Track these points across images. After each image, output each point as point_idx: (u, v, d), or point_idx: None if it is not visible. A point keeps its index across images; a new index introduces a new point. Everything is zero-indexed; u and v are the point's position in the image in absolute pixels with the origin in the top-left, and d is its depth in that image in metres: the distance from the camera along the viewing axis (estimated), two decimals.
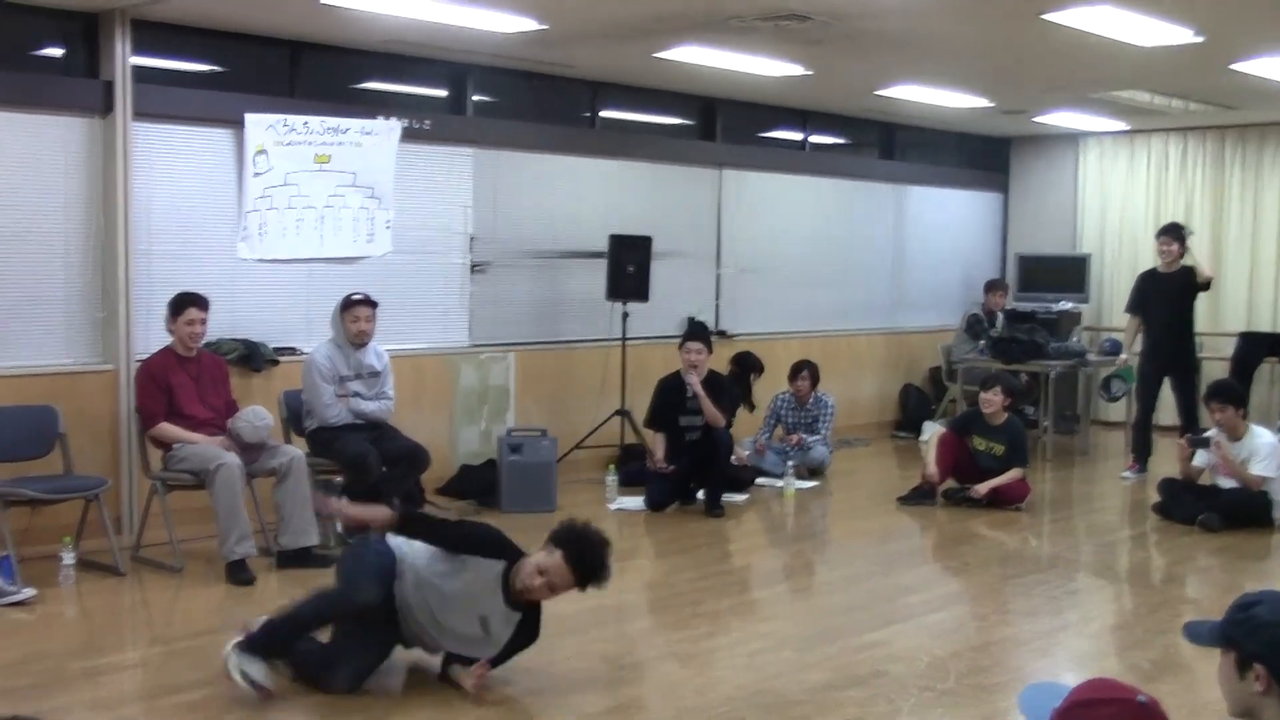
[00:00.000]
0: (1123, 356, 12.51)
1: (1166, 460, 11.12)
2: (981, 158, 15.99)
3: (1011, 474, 10.34)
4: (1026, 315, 14.14)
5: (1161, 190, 15.00)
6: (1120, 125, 14.58)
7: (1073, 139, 15.48)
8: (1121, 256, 15.16)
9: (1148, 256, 12.92)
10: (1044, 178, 15.95)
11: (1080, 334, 14.48)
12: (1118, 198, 15.35)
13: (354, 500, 8.57)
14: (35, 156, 8.56)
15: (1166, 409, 12.11)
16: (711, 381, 10.32)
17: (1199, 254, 11.99)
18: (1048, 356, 12.98)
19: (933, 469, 10.44)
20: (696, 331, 10.64)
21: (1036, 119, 14.07)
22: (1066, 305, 14.67)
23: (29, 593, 7.30)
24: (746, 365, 11.74)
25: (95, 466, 8.48)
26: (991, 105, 12.80)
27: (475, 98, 10.99)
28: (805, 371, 11.81)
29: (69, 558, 7.81)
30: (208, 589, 7.69)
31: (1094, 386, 14.07)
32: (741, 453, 11.02)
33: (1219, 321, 14.13)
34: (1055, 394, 13.12)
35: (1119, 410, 13.77)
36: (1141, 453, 11.82)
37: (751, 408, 11.48)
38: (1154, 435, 11.92)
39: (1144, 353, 11.85)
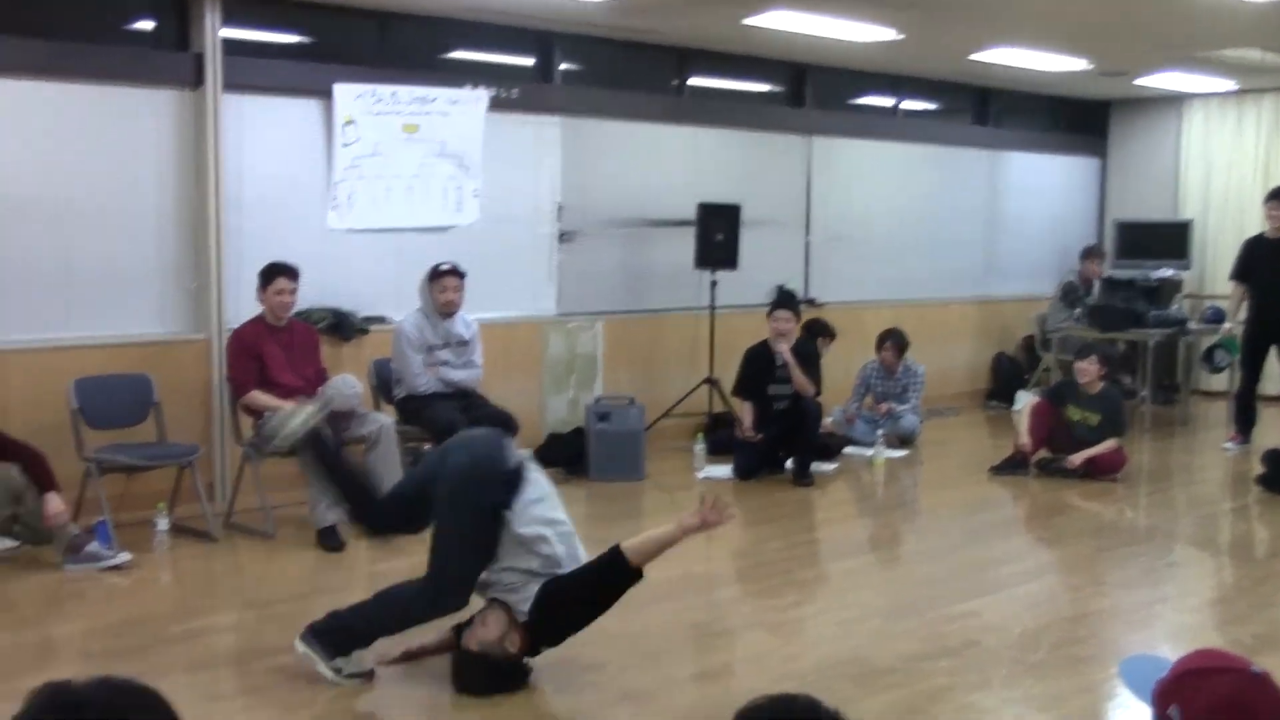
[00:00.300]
0: (1227, 325, 12.22)
1: (1271, 431, 10.94)
2: (1079, 122, 15.74)
3: (1107, 444, 10.17)
4: (1124, 283, 13.91)
5: (1272, 152, 14.59)
6: (1228, 85, 14.20)
7: (1176, 101, 15.15)
8: (1226, 221, 14.76)
9: (1254, 221, 12.61)
10: (1145, 141, 15.65)
11: (1181, 302, 14.23)
12: (1223, 161, 14.96)
13: None
14: (128, 129, 8.64)
15: (1272, 378, 11.87)
16: (801, 350, 10.24)
17: None
18: (1146, 325, 12.76)
19: (1026, 439, 10.30)
20: (784, 299, 10.54)
21: (1138, 81, 13.78)
22: (1167, 272, 14.37)
23: (125, 557, 7.39)
24: (814, 332, 11.46)
25: (188, 434, 8.58)
26: (1091, 68, 12.58)
27: (562, 66, 10.96)
28: (889, 341, 11.67)
29: (163, 523, 7.97)
30: (299, 554, 7.77)
31: (1195, 356, 13.80)
32: (826, 420, 10.92)
33: None
34: (1154, 363, 12.92)
35: (1220, 380, 13.50)
36: (1244, 423, 11.57)
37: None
38: (1258, 405, 11.67)
39: (1249, 321, 11.56)
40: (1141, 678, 2.61)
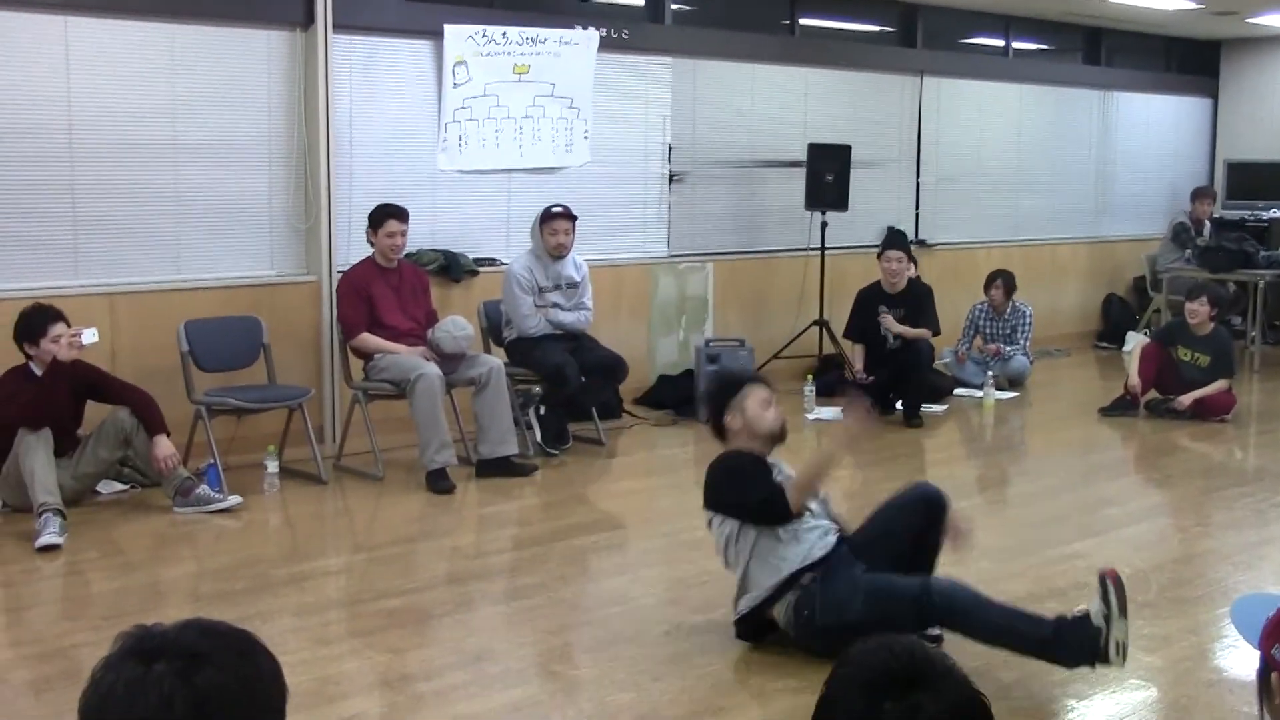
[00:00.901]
0: None
1: None
2: (1190, 62, 15.48)
3: (1217, 385, 10.07)
4: (1235, 223, 13.73)
5: None
6: None
7: None
8: None
9: None
10: (1256, 81, 15.36)
11: None
12: None
13: (551, 409, 8.70)
14: (239, 70, 8.69)
15: None
16: (916, 291, 10.23)
17: None
18: (1257, 265, 12.59)
19: (1135, 380, 10.21)
20: (895, 239, 10.50)
21: (1250, 20, 13.55)
22: (1277, 213, 14.17)
23: (235, 500, 7.42)
24: None
25: (298, 376, 8.62)
26: (1202, 6, 12.36)
27: (673, 6, 10.94)
28: (999, 281, 11.57)
29: (273, 466, 7.89)
30: (408, 497, 7.80)
31: None
32: (938, 362, 10.88)
33: None
34: (1264, 304, 12.74)
35: None
36: None
37: None
38: None
39: None
40: (1253, 618, 2.60)
